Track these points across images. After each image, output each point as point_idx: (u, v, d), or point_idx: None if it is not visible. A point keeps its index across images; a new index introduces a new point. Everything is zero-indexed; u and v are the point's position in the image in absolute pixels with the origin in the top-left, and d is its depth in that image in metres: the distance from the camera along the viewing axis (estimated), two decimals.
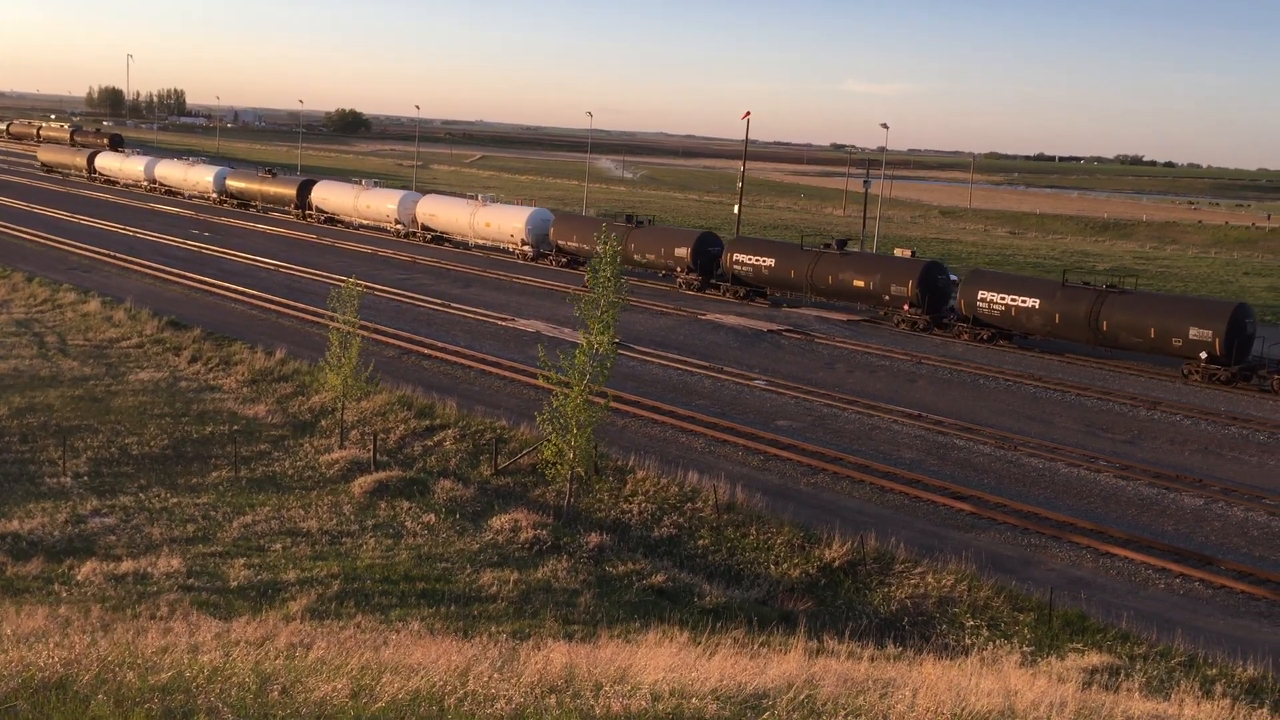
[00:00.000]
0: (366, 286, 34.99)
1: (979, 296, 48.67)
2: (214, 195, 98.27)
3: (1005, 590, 21.76)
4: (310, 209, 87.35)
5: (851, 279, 53.49)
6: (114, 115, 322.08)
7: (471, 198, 77.97)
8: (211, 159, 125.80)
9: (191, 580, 20.97)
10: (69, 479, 27.29)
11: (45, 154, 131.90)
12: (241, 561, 22.10)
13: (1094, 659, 18.80)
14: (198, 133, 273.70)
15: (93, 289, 51.05)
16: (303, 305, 48.75)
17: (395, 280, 58.69)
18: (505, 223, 71.65)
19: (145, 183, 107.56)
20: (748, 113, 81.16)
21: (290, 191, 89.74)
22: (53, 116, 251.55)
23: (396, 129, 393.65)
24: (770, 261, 56.60)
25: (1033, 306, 46.72)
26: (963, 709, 12.09)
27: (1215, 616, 21.47)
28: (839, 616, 21.55)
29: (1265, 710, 15.22)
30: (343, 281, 31.45)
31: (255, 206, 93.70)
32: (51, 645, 13.55)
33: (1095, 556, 24.15)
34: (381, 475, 27.76)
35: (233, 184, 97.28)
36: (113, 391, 35.07)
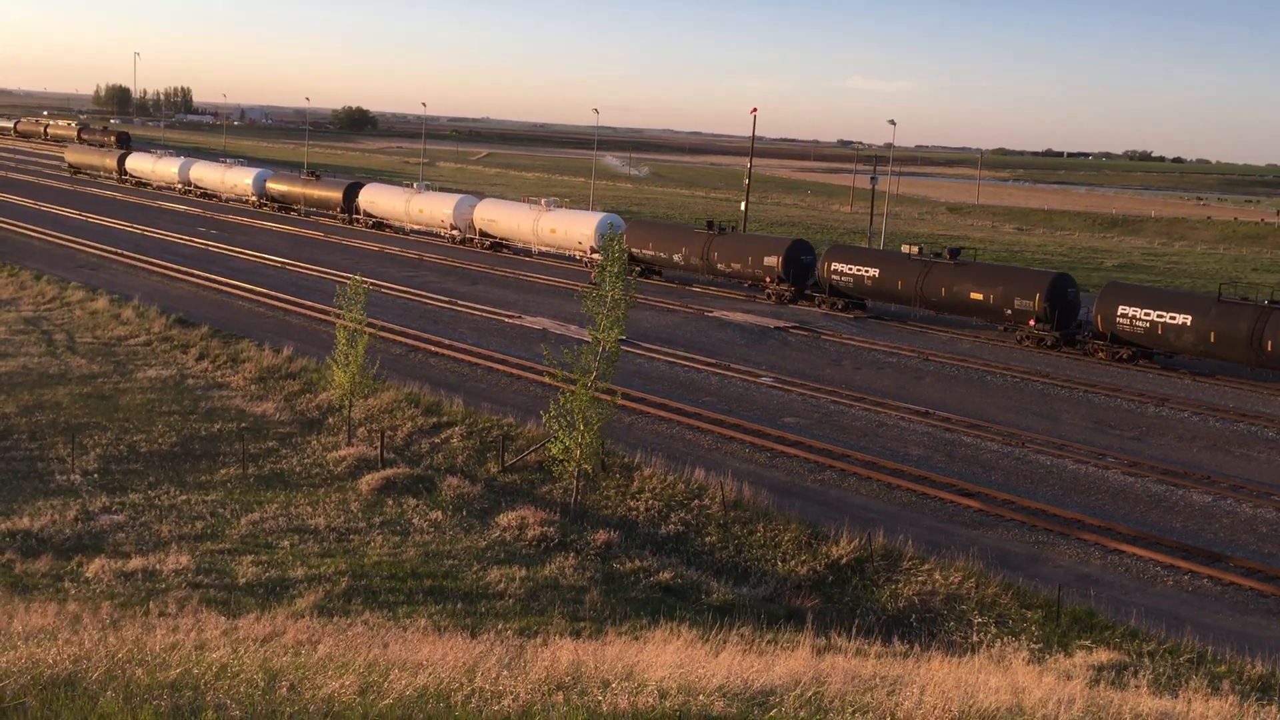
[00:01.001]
0: (373, 284, 35.10)
1: (1119, 312, 44.75)
2: (253, 198, 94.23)
3: (1013, 587, 21.72)
4: (357, 213, 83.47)
5: (968, 291, 49.33)
6: (121, 113, 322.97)
7: (534, 202, 72.96)
8: (250, 161, 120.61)
9: (200, 577, 21.03)
10: (78, 476, 27.37)
11: (73, 155, 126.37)
12: (249, 559, 22.15)
13: (1102, 656, 18.78)
14: (204, 130, 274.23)
15: (100, 287, 51.17)
16: (310, 303, 48.82)
17: (402, 278, 58.75)
18: (572, 229, 66.90)
19: (180, 185, 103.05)
20: (754, 109, 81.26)
21: (336, 195, 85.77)
22: (45, 113, 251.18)
23: (403, 126, 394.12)
24: (874, 272, 52.90)
25: (1183, 324, 42.79)
26: (970, 706, 12.08)
27: (1224, 613, 21.42)
28: (846, 613, 21.54)
29: (1274, 708, 15.18)
30: (349, 279, 31.48)
31: (297, 210, 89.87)
32: (60, 642, 13.60)
33: (1103, 553, 24.11)
34: (389, 473, 27.80)
35: (274, 187, 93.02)
36: (121, 389, 35.15)
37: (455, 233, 75.50)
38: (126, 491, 26.53)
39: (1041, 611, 20.93)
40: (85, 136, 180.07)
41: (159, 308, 46.07)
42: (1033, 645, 19.61)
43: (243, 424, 31.97)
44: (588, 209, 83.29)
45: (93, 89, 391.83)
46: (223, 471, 28.37)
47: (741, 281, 59.59)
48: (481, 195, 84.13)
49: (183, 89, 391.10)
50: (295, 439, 31.22)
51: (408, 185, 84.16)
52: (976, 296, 49.26)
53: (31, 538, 23.05)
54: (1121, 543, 24.50)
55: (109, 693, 11.02)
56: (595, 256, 62.43)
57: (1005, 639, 20.03)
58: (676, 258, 60.99)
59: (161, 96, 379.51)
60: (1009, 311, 48.22)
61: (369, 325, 31.79)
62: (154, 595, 19.93)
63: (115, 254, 62.75)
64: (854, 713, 11.77)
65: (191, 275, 56.27)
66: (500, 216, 72.69)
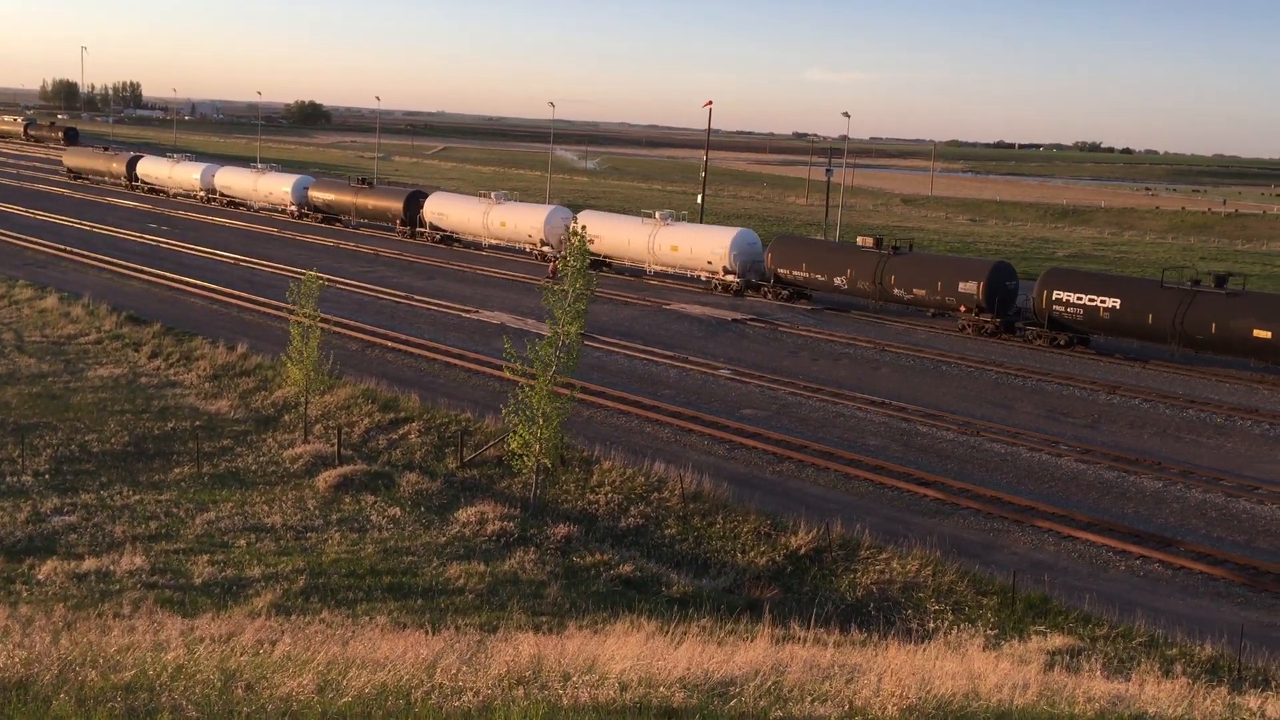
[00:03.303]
0: (329, 280, 34.82)
1: None
2: (292, 208, 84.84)
3: (969, 575, 21.97)
4: (422, 226, 74.53)
5: (1249, 328, 40.53)
6: (68, 108, 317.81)
7: (648, 215, 63.39)
8: (284, 167, 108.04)
9: (155, 578, 20.80)
10: (29, 477, 26.96)
11: (72, 159, 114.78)
12: (205, 558, 21.94)
13: (1056, 641, 19.05)
14: (155, 125, 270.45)
15: (49, 284, 50.39)
16: (264, 299, 48.34)
17: (358, 273, 58.32)
18: (701, 246, 58.71)
19: (202, 192, 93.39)
20: (709, 102, 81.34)
21: (395, 205, 76.51)
22: None
23: (357, 120, 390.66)
24: (1112, 302, 44.05)
25: None
26: (927, 692, 12.22)
27: (1175, 597, 21.79)
28: (805, 603, 21.68)
29: (1224, 689, 15.47)
30: (303, 273, 31.23)
31: (343, 221, 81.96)
32: (12, 645, 13.41)
33: (1057, 540, 24.43)
34: (346, 469, 27.62)
35: (317, 195, 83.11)
36: (72, 388, 34.66)
37: (546, 249, 65.60)
38: (79, 492, 26.17)
39: (997, 598, 21.19)
40: (33, 133, 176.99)
41: (109, 305, 45.46)
42: (989, 631, 19.84)
43: (197, 422, 31.63)
44: (545, 199, 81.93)
45: (39, 84, 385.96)
46: (177, 470, 28.06)
47: (925, 310, 51.82)
48: (578, 208, 73.12)
49: (132, 84, 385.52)
50: (250, 437, 30.94)
51: (484, 196, 73.02)
52: (1262, 335, 40.30)
53: None
54: (1075, 529, 24.83)
55: (62, 696, 10.90)
56: (730, 279, 57.37)
57: (962, 626, 20.25)
58: (838, 280, 53.02)
59: (110, 91, 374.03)
60: None
61: (324, 321, 31.57)
62: (108, 596, 19.68)
63: (64, 251, 61.78)
64: (813, 701, 11.87)
65: (142, 272, 55.53)
66: (605, 231, 62.93)
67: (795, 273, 55.24)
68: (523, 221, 68.03)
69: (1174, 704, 13.45)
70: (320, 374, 30.34)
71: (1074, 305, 45.44)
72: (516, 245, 69.31)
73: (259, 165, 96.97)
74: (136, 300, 48.03)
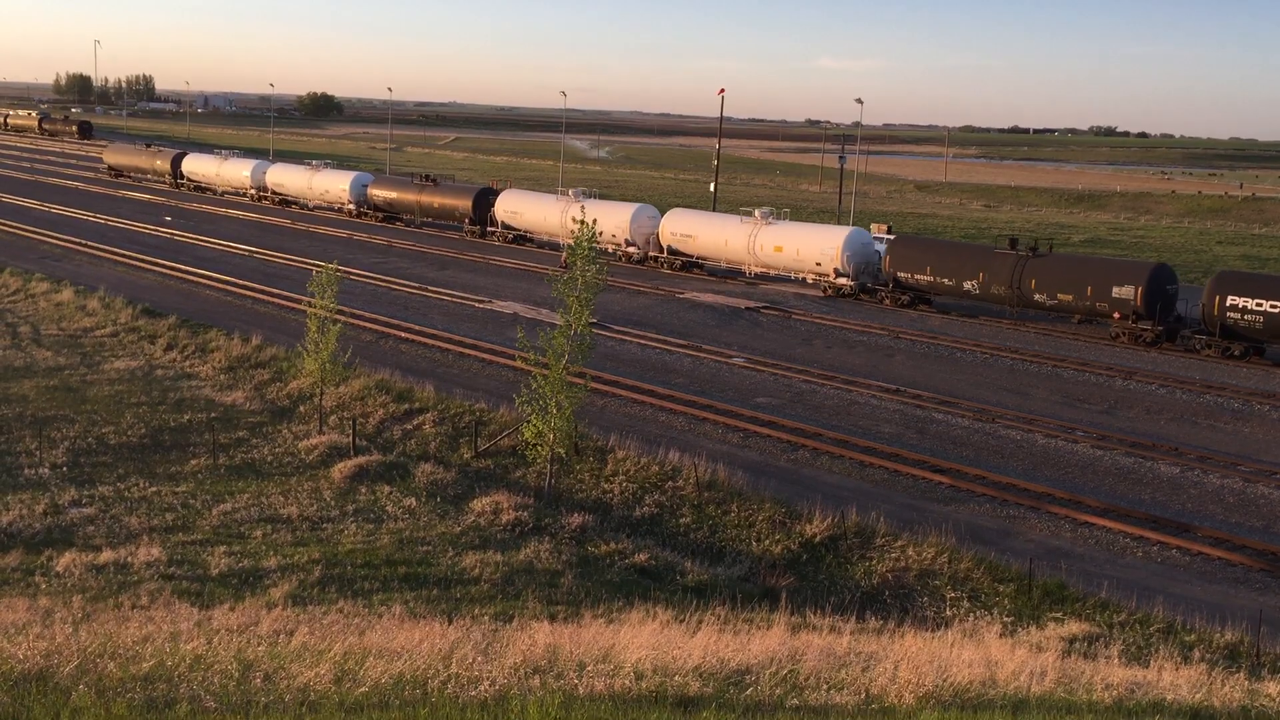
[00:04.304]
0: (343, 271, 34.84)
1: None
2: (350, 206, 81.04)
3: (985, 562, 21.91)
4: (493, 225, 71.00)
5: None
6: (82, 102, 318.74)
7: (747, 214, 59.18)
8: (331, 163, 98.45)
9: (172, 569, 20.91)
10: (46, 470, 27.10)
11: (113, 156, 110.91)
12: (222, 549, 22.04)
13: (1073, 628, 18.99)
14: (167, 118, 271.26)
15: (65, 278, 50.61)
16: (278, 291, 48.46)
17: (371, 264, 58.39)
18: (808, 247, 54.79)
19: (253, 190, 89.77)
20: (722, 90, 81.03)
21: (464, 204, 72.77)
22: None
23: (369, 111, 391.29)
24: None
25: None
26: (944, 680, 12.20)
27: (1193, 583, 21.69)
28: (821, 591, 21.67)
29: (1242, 675, 15.41)
30: (319, 266, 31.28)
31: (404, 220, 78.49)
32: (32, 637, 13.51)
33: (1074, 526, 24.34)
34: (361, 460, 27.69)
35: (378, 194, 79.18)
36: (88, 381, 34.81)
37: (632, 250, 61.94)
38: (96, 484, 26.30)
39: (1013, 585, 21.12)
40: (47, 126, 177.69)
41: (125, 298, 45.64)
42: (1005, 619, 19.80)
43: (212, 414, 31.74)
44: (558, 189, 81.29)
45: (52, 78, 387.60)
46: (193, 462, 28.17)
47: (1069, 316, 47.64)
48: (665, 208, 67.82)
49: (145, 77, 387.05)
50: (266, 428, 31.03)
51: (562, 194, 68.84)
52: None
53: (1, 532, 22.82)
54: (1091, 515, 24.74)
55: (81, 687, 10.97)
56: (841, 281, 53.46)
57: (978, 613, 20.21)
58: (968, 285, 48.82)
59: (124, 84, 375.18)
60: None
61: (339, 312, 31.62)
62: (126, 588, 19.79)
63: (80, 245, 62.04)
64: (829, 689, 11.87)
65: (158, 265, 55.72)
66: (700, 230, 59.95)
67: (918, 276, 50.71)
68: (606, 221, 59.56)
69: (1193, 690, 13.41)
70: (335, 365, 30.42)
71: (1252, 312, 40.98)
72: (598, 245, 65.69)
73: (314, 162, 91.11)
74: (152, 293, 48.20)
